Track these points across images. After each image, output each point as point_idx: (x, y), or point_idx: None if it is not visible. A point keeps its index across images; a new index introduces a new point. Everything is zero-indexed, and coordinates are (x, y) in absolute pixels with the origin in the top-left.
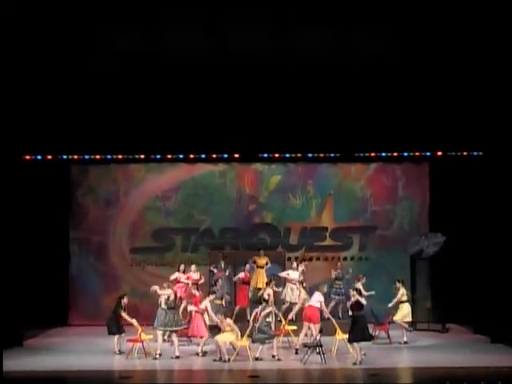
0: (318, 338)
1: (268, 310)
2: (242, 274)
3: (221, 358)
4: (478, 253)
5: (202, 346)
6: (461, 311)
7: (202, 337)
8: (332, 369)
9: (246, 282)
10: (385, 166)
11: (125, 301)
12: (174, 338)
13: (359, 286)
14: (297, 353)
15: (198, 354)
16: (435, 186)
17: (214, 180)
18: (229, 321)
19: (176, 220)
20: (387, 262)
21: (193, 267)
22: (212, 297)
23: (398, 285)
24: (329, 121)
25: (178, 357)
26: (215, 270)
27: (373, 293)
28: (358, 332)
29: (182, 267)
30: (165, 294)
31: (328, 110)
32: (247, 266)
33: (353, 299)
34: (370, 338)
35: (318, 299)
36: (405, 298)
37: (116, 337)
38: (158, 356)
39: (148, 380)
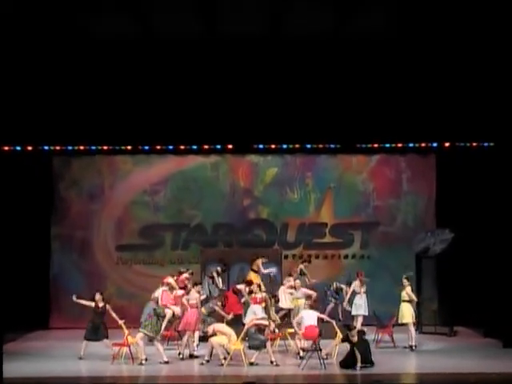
0: (316, 342)
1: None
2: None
3: (208, 361)
4: (488, 250)
5: (184, 342)
6: (470, 313)
7: (189, 330)
8: (332, 374)
9: (237, 291)
10: (388, 157)
11: (96, 298)
12: (157, 343)
13: (356, 285)
14: (301, 358)
15: (179, 353)
16: (442, 179)
17: (205, 173)
18: (219, 326)
19: (165, 215)
20: (390, 261)
21: (186, 275)
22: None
23: (407, 283)
24: (329, 109)
25: (166, 362)
26: (215, 274)
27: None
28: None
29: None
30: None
31: (328, 98)
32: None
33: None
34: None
35: (315, 317)
36: (406, 297)
37: (85, 342)
38: (143, 361)
39: None
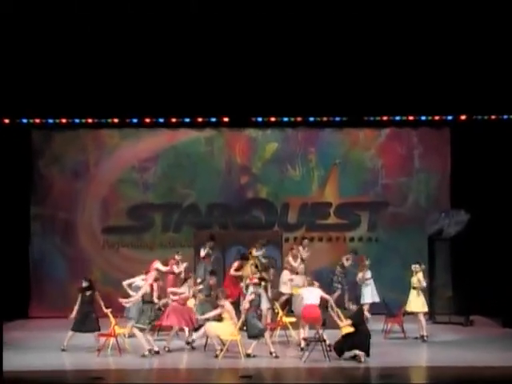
0: (320, 332)
1: (251, 296)
2: (236, 264)
3: (188, 342)
4: (507, 232)
5: (171, 335)
6: (487, 301)
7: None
8: (337, 367)
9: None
10: (399, 131)
11: (84, 284)
12: (147, 334)
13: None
14: (302, 349)
15: (165, 348)
16: (458, 154)
17: (199, 148)
18: (228, 306)
19: (155, 195)
20: (400, 244)
21: (177, 257)
22: (198, 291)
23: (418, 268)
24: (334, 78)
25: (157, 352)
26: (202, 252)
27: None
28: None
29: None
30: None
31: (333, 66)
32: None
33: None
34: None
35: (317, 295)
36: (417, 284)
37: (71, 333)
38: (146, 353)
39: (124, 380)
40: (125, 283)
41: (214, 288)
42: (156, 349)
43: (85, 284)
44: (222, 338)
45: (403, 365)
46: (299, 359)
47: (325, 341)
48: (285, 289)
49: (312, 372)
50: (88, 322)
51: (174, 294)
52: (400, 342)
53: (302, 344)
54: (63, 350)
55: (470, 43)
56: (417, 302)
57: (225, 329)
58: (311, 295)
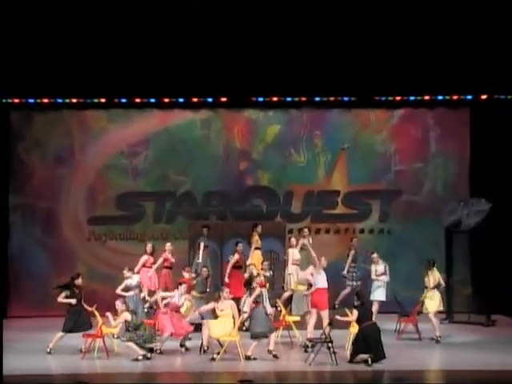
0: (327, 332)
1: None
2: (236, 256)
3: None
4: None
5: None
6: (510, 299)
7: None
8: (344, 371)
9: (240, 266)
10: (413, 112)
11: (79, 281)
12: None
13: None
14: (306, 350)
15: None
16: (478, 138)
17: (194, 131)
18: (233, 306)
19: (146, 182)
20: (415, 237)
21: (168, 246)
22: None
23: (429, 266)
24: (342, 54)
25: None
26: (202, 244)
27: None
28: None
29: (149, 247)
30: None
31: (341, 40)
32: (240, 246)
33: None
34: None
35: (324, 278)
36: (435, 283)
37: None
38: (140, 357)
39: None
40: (118, 291)
41: (206, 281)
42: (149, 355)
43: (79, 280)
44: (220, 339)
45: (417, 368)
46: (304, 362)
47: (331, 341)
48: (289, 285)
49: (317, 376)
50: (82, 321)
51: (164, 298)
52: (414, 344)
53: (309, 344)
54: (49, 353)
55: (491, 15)
56: (432, 302)
57: (223, 328)
58: (323, 279)
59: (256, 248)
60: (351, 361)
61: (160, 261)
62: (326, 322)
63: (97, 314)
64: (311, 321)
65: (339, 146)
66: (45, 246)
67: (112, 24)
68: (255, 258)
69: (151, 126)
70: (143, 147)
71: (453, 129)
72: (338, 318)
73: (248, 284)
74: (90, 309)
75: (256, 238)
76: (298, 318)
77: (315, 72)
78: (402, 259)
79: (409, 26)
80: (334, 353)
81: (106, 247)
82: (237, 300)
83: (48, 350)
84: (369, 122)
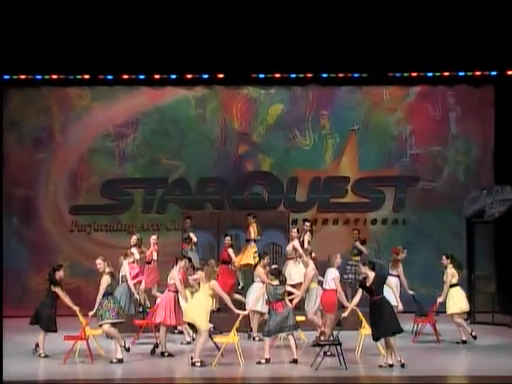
0: (335, 334)
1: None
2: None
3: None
4: None
5: (162, 336)
6: None
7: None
8: (355, 377)
9: (226, 262)
10: (431, 90)
11: (60, 274)
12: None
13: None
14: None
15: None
16: (503, 119)
17: (188, 111)
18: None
19: (135, 167)
20: (433, 228)
21: (153, 238)
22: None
23: (446, 261)
24: (352, 26)
25: (120, 360)
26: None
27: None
28: (383, 323)
29: (134, 238)
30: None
31: (350, 11)
32: (227, 239)
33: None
34: (398, 329)
35: (331, 277)
36: (455, 279)
37: (43, 333)
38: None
39: None
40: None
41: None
42: (120, 356)
43: (60, 273)
44: (217, 341)
45: (434, 374)
46: (309, 366)
47: (340, 344)
48: (293, 280)
49: (323, 381)
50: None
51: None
52: (433, 347)
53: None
54: (46, 356)
55: None
56: (456, 301)
57: (202, 314)
58: (326, 277)
59: (247, 240)
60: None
61: (155, 256)
62: (330, 327)
63: (79, 314)
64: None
65: (349, 128)
66: (22, 237)
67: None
68: (246, 251)
69: (140, 105)
70: (131, 128)
71: (475, 108)
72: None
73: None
74: (74, 307)
75: (250, 228)
76: (302, 318)
77: (322, 46)
78: (418, 252)
79: None
80: (343, 356)
81: (90, 239)
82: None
83: (43, 354)
84: (382, 101)
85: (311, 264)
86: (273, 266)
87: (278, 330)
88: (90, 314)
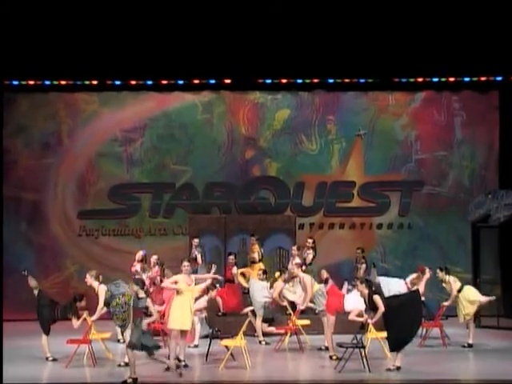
0: (359, 337)
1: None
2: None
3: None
4: None
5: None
6: None
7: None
8: (360, 380)
9: (231, 281)
10: (437, 95)
11: (82, 304)
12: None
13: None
14: (331, 358)
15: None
16: (508, 123)
17: (195, 116)
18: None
19: (142, 172)
20: (439, 232)
21: (154, 258)
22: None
23: (441, 274)
24: (358, 32)
25: (127, 363)
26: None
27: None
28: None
29: (139, 254)
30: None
31: (356, 17)
32: (231, 258)
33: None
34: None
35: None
36: (458, 285)
37: (45, 337)
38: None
39: None
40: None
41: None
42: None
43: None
44: (223, 343)
45: (440, 378)
46: (318, 369)
47: (364, 347)
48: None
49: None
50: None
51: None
52: (440, 351)
53: (331, 352)
54: (54, 360)
55: None
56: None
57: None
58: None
59: (252, 262)
60: None
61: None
62: (330, 329)
63: (88, 318)
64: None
65: (355, 133)
66: (30, 241)
67: (107, 1)
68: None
69: (148, 110)
70: (139, 133)
71: (480, 113)
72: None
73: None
74: (84, 315)
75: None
76: (307, 322)
77: (328, 51)
78: (424, 257)
79: (432, 5)
80: (367, 358)
81: (98, 244)
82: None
83: (49, 356)
84: (387, 106)
85: (301, 274)
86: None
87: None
88: (92, 318)
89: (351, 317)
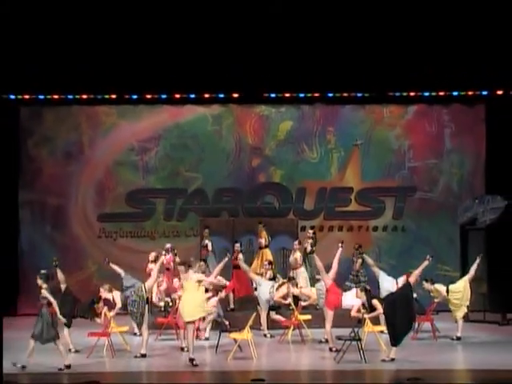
0: (356, 330)
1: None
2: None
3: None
4: None
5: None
6: None
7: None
8: (358, 371)
9: (238, 267)
10: (428, 108)
11: (99, 305)
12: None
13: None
14: (330, 349)
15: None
16: (493, 134)
17: (206, 127)
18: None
19: (157, 179)
20: (430, 234)
21: (167, 246)
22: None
23: (427, 285)
24: (355, 50)
25: (143, 355)
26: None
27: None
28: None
29: (152, 255)
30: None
31: (354, 36)
32: (237, 246)
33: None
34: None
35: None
36: (444, 288)
37: (67, 329)
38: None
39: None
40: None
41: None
42: (144, 352)
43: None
44: (232, 336)
45: (434, 367)
46: (318, 360)
47: (360, 340)
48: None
49: (329, 375)
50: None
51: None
52: (431, 343)
53: (331, 344)
54: (76, 351)
55: (506, 9)
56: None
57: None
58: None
59: (260, 247)
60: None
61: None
62: (328, 323)
63: (107, 313)
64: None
65: (352, 143)
66: (54, 242)
67: (123, 20)
68: (259, 259)
69: (162, 122)
70: (154, 143)
71: (468, 125)
72: (367, 316)
73: None
74: (103, 312)
75: (261, 235)
76: (309, 317)
77: (328, 68)
78: (416, 257)
79: (423, 20)
80: (363, 350)
81: (116, 245)
82: (240, 299)
83: (73, 350)
84: (382, 118)
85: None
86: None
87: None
88: (111, 314)
89: (353, 313)
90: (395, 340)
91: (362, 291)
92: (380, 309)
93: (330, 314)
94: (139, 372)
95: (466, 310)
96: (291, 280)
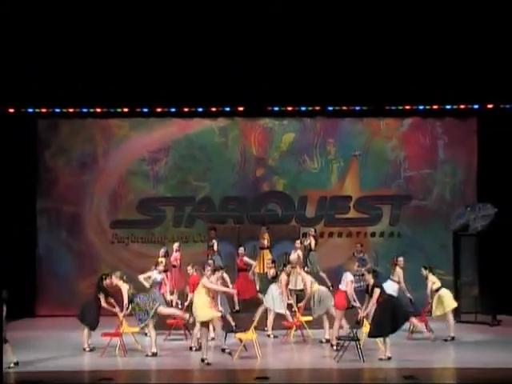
0: (354, 331)
1: None
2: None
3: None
4: None
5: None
6: None
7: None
8: (357, 369)
9: (242, 269)
10: (422, 121)
11: (107, 282)
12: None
13: (399, 272)
14: (336, 346)
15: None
16: (484, 145)
17: (213, 139)
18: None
19: (167, 187)
20: (425, 240)
21: (175, 246)
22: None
23: (426, 272)
24: (354, 66)
25: (154, 354)
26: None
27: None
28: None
29: (162, 251)
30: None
31: (353, 53)
32: (241, 249)
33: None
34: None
35: (346, 280)
36: (437, 285)
37: (86, 330)
38: (150, 353)
39: (132, 381)
40: (141, 277)
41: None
42: (155, 349)
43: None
44: (237, 336)
45: (427, 366)
46: (319, 359)
47: (358, 339)
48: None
49: (331, 373)
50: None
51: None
52: (424, 343)
53: (335, 342)
54: (91, 350)
55: (495, 27)
56: (442, 304)
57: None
58: (342, 280)
59: (261, 248)
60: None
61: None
62: (338, 321)
63: (119, 314)
64: (335, 321)
65: (351, 153)
66: (70, 248)
67: (134, 37)
68: (261, 259)
69: (171, 134)
70: (164, 154)
71: (460, 137)
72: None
73: None
74: (114, 310)
75: (263, 237)
76: (310, 318)
77: (328, 83)
78: (411, 261)
79: (417, 38)
80: (361, 350)
81: (128, 249)
82: (245, 301)
83: (88, 348)
84: (379, 130)
85: (303, 274)
86: None
87: None
88: (122, 313)
89: (349, 290)
90: (371, 334)
91: (369, 273)
92: (374, 299)
93: (339, 314)
94: (150, 370)
95: (443, 313)
96: (285, 266)
